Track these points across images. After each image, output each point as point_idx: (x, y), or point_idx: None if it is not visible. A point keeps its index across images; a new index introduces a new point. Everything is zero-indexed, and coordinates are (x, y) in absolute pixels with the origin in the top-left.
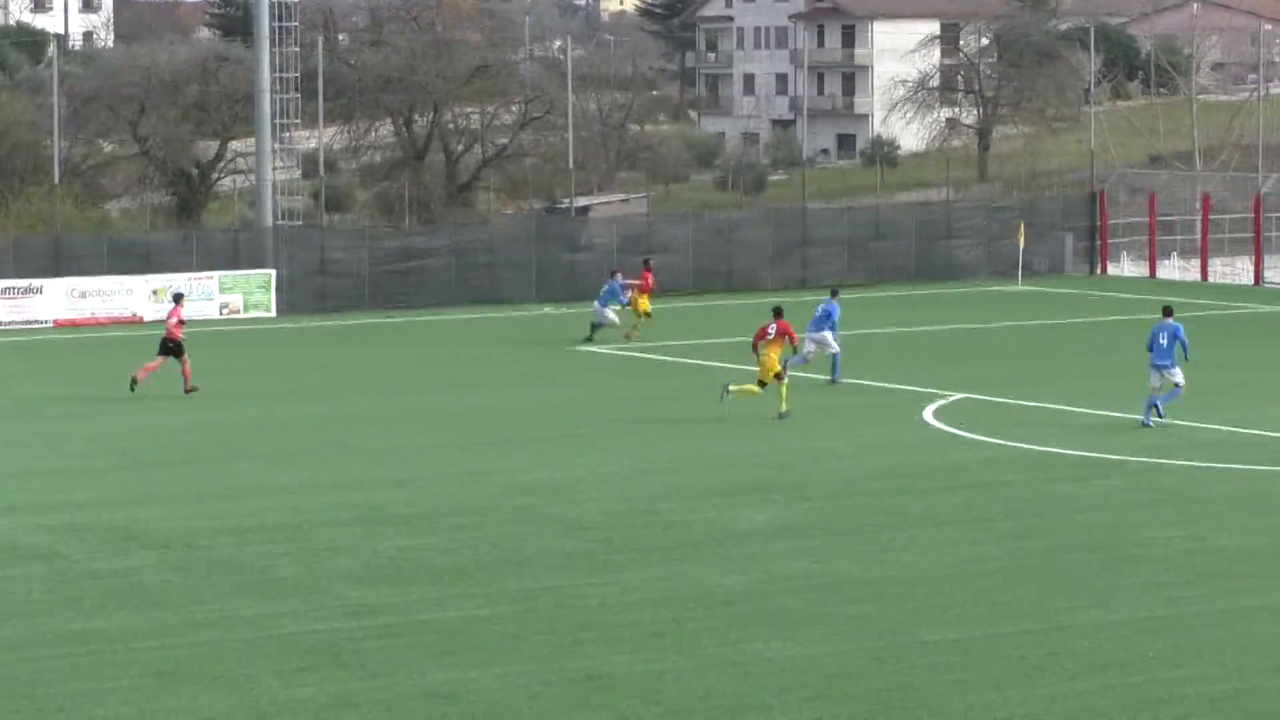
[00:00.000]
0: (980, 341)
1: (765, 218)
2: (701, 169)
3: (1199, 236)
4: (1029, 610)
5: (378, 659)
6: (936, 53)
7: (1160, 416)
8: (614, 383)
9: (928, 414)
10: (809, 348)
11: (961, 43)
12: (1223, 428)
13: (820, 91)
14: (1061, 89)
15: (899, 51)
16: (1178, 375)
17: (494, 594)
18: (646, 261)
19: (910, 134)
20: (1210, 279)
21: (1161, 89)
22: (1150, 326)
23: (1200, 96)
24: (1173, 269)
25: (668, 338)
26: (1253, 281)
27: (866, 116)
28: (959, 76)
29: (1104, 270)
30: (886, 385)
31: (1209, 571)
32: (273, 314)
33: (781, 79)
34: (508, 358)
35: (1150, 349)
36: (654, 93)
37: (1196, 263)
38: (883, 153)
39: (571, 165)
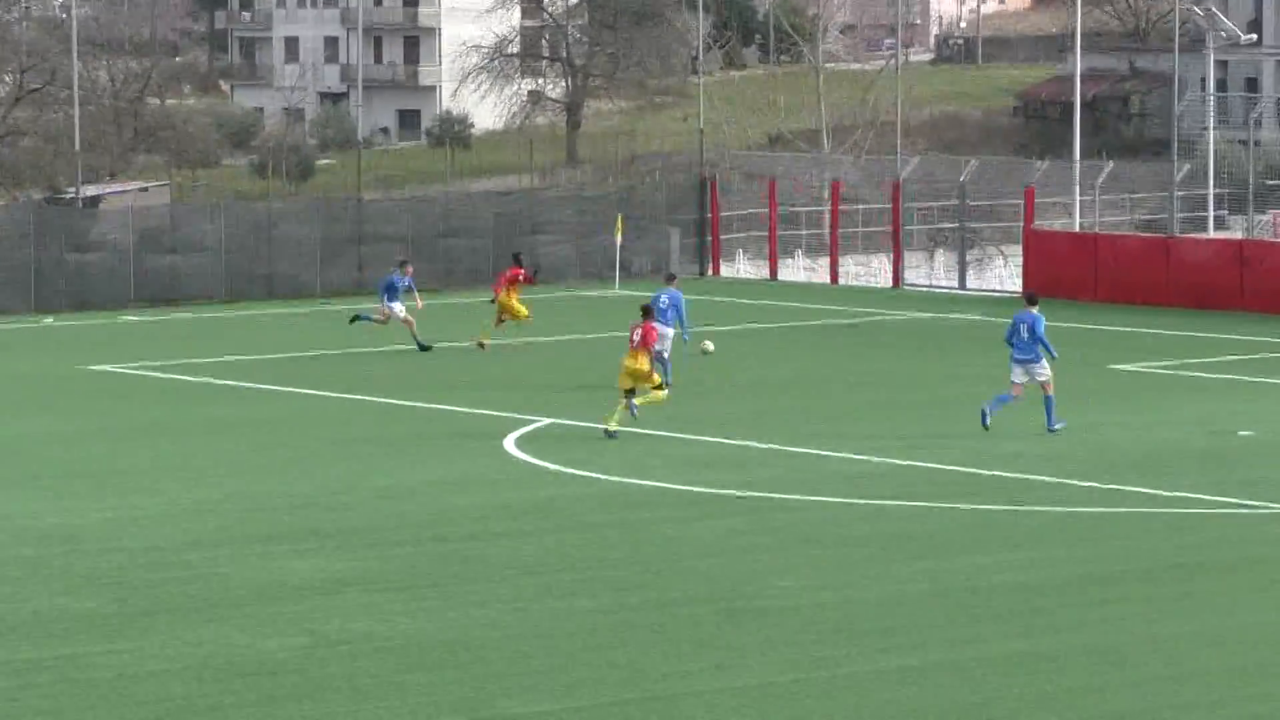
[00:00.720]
0: (571, 355)
1: (312, 210)
2: (236, 151)
3: (828, 231)
4: (634, 675)
5: None
6: (516, 13)
7: (1051, 428)
8: (135, 410)
9: (510, 443)
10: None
11: (546, 1)
12: (860, 456)
13: (378, 59)
14: (665, 56)
15: (472, 11)
16: (1044, 370)
17: None
18: (517, 256)
19: (486, 110)
20: (841, 281)
21: (783, 56)
22: (1012, 316)
23: (828, 65)
24: (797, 269)
25: (196, 354)
26: (891, 283)
27: (434, 89)
28: (543, 41)
29: (716, 271)
30: (460, 409)
31: (847, 627)
32: None
33: (331, 43)
34: (2, 379)
35: (1010, 342)
36: (178, 60)
37: (825, 262)
38: (453, 132)
39: (78, 147)
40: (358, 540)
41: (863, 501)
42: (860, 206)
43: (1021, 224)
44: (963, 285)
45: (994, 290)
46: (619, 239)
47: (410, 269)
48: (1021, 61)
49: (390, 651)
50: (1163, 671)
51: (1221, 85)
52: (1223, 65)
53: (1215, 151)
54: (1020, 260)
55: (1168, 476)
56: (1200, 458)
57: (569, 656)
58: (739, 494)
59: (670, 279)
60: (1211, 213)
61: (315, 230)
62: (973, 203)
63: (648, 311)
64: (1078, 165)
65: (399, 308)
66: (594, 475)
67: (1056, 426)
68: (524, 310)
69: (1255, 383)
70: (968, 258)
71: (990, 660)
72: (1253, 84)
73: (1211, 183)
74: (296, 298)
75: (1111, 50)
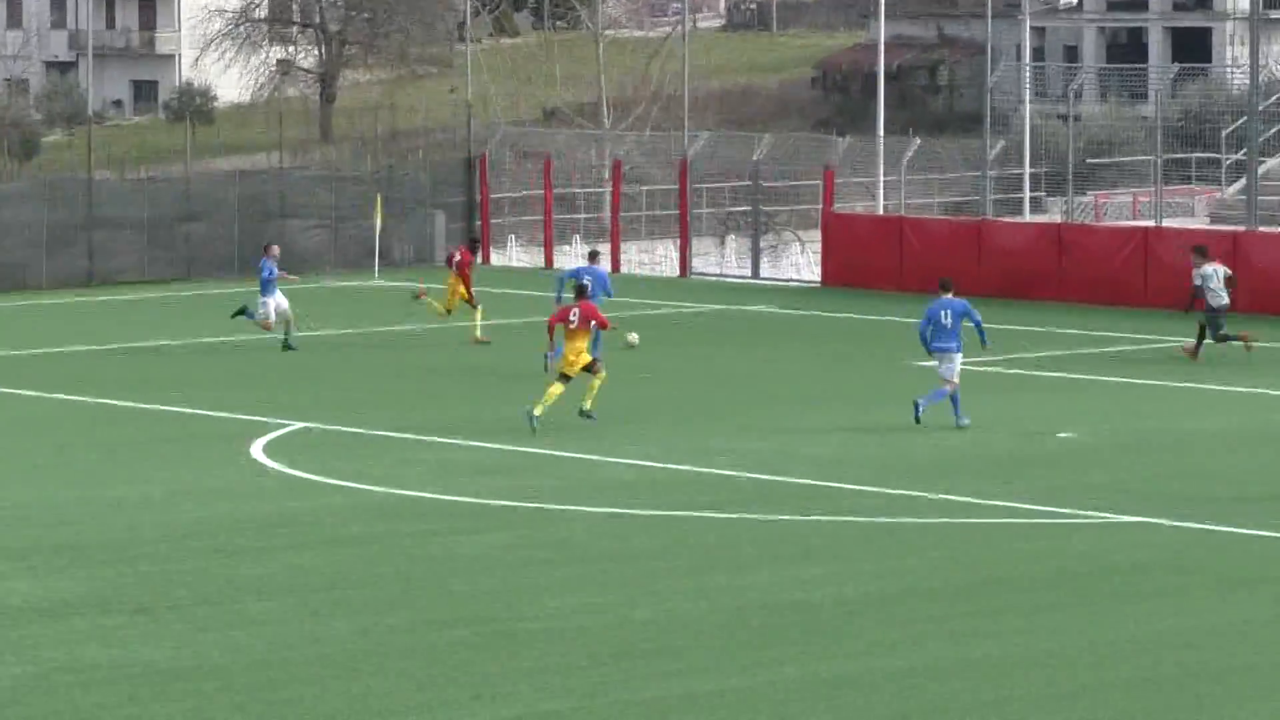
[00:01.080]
0: (327, 354)
1: (36, 192)
2: None
3: (608, 215)
4: (393, 706)
5: None
6: None
7: (960, 420)
8: None
9: (258, 449)
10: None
11: None
12: (637, 462)
13: (110, 24)
14: (428, 22)
15: None
16: (957, 364)
17: None
18: (474, 241)
19: (231, 81)
20: (623, 269)
21: (559, 22)
22: (928, 307)
23: (608, 32)
24: (575, 256)
25: None
26: (678, 272)
27: (172, 58)
28: (294, 6)
29: (486, 259)
30: (203, 412)
31: (627, 650)
32: None
33: (58, 7)
34: None
35: (923, 335)
36: None
37: (606, 248)
38: (194, 106)
39: None
40: (87, 558)
41: (643, 512)
42: (644, 188)
43: (821, 207)
44: (756, 274)
45: (790, 280)
46: (378, 223)
47: (275, 249)
48: (820, 28)
49: (125, 681)
50: (976, 695)
51: (1038, 54)
52: (1040, 33)
53: (1032, 127)
54: (819, 247)
55: (975, 483)
56: (1012, 462)
57: (322, 685)
58: (503, 503)
59: (593, 256)
60: (1028, 194)
61: (40, 214)
62: (767, 184)
63: (582, 290)
64: (882, 142)
65: (276, 302)
66: (351, 485)
67: (966, 420)
68: (449, 303)
69: (1075, 379)
70: (762, 244)
71: (784, 686)
72: (1072, 53)
73: (1027, 161)
74: (18, 290)
75: (918, 16)
